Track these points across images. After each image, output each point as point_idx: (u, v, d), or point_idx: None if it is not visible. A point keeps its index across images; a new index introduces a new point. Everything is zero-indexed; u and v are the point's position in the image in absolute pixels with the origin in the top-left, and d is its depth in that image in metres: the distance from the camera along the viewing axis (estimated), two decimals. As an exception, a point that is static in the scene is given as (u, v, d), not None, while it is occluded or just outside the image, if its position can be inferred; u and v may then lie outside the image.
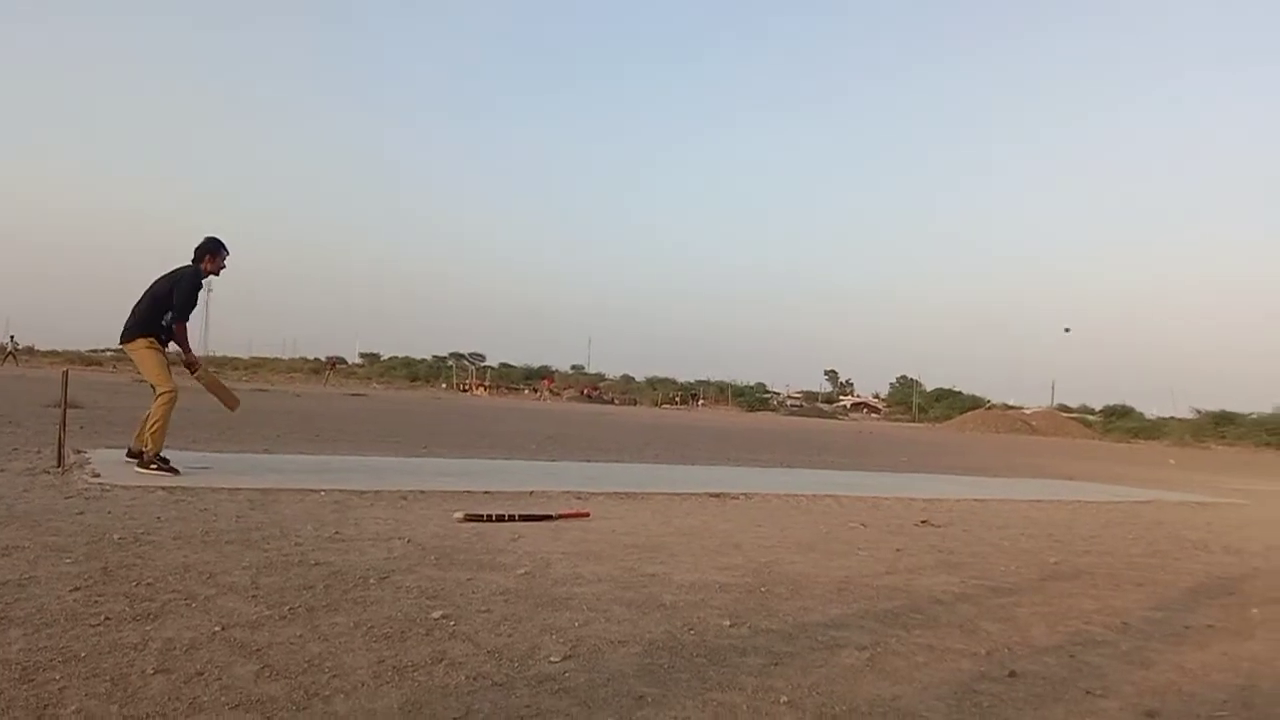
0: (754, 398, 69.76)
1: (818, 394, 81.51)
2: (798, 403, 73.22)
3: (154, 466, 6.58)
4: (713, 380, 72.41)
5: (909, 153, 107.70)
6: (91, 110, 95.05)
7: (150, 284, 7.08)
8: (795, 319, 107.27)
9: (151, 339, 6.95)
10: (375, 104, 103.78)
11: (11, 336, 50.10)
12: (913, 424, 60.01)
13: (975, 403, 66.00)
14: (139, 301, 7.03)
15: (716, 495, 7.77)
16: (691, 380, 72.81)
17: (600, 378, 73.43)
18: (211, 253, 7.19)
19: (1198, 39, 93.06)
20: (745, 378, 74.57)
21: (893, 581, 4.63)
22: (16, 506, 4.99)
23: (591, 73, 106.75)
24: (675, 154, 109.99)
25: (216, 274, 7.27)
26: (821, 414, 63.17)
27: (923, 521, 7.05)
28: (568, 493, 7.20)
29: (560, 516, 5.92)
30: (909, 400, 73.28)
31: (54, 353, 57.39)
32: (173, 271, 7.11)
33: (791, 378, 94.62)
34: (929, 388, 74.24)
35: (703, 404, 65.57)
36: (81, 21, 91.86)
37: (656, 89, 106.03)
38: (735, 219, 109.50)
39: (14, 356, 46.99)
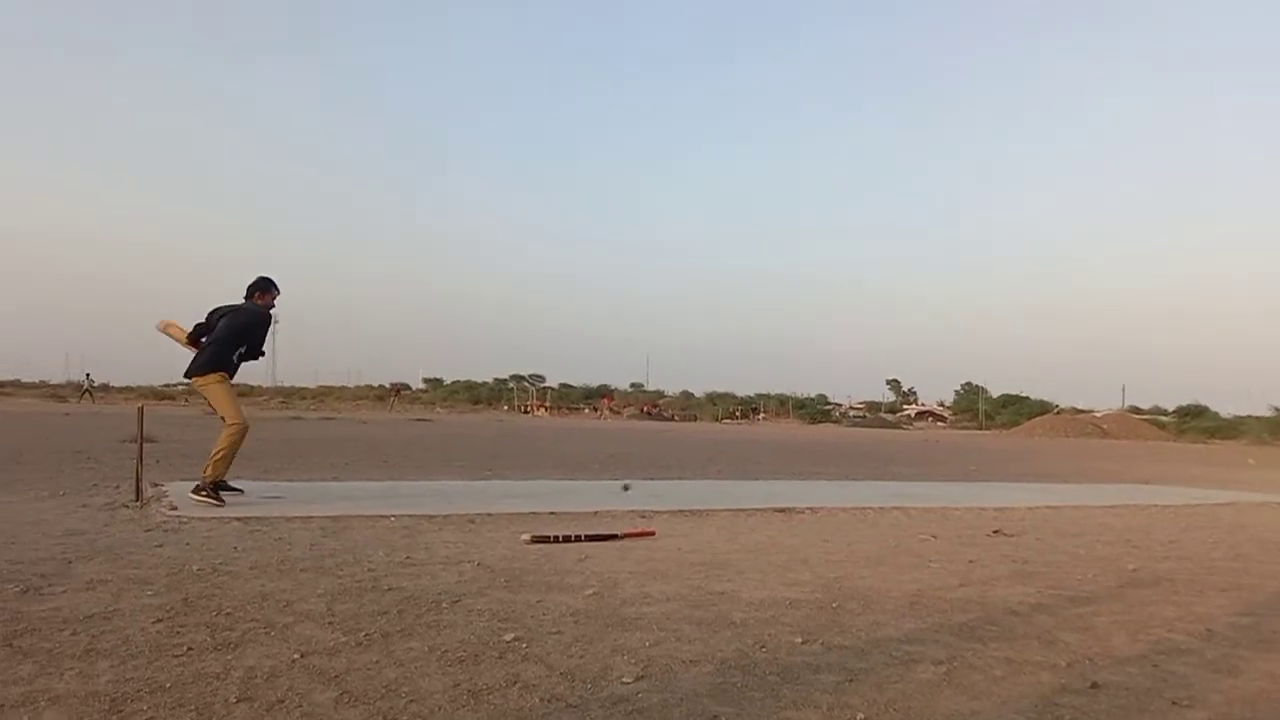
0: (815, 410, 69.19)
1: (881, 404, 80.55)
2: (860, 414, 72.49)
3: (204, 494, 6.74)
4: (773, 393, 72.03)
5: (963, 149, 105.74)
6: (158, 151, 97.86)
7: (206, 319, 7.28)
8: (855, 328, 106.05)
9: (222, 373, 7.15)
10: (425, 134, 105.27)
11: (88, 375, 51.82)
12: (980, 431, 59.03)
13: (1043, 407, 64.67)
14: (204, 336, 7.23)
15: (782, 510, 7.72)
16: (751, 394, 72.50)
17: (660, 394, 73.52)
18: (262, 290, 7.42)
19: None
20: (806, 390, 74.11)
21: (967, 594, 4.55)
22: (99, 541, 5.15)
23: (636, 89, 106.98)
24: (722, 163, 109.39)
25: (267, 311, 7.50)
26: (885, 424, 62.32)
27: (995, 531, 6.92)
28: (633, 512, 7.21)
29: (626, 536, 5.93)
30: (975, 407, 72.00)
31: (128, 389, 59.09)
32: (233, 309, 7.30)
33: (853, 388, 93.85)
34: (995, 393, 72.90)
35: (763, 418, 65.21)
36: (181, 65, 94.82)
37: (699, 103, 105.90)
38: (788, 229, 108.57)
39: (90, 394, 48.47)
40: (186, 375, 7.31)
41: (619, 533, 5.98)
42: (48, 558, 4.60)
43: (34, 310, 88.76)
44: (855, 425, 60.83)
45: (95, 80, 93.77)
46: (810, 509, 7.91)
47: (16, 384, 60.53)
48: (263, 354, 7.51)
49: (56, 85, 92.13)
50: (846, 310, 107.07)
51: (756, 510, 7.66)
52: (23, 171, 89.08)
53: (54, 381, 60.44)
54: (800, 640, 3.48)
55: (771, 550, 5.67)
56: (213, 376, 7.13)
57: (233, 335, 7.19)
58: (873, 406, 78.05)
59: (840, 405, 74.89)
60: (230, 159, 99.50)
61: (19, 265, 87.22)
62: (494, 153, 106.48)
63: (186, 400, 48.48)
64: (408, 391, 71.30)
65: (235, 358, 7.23)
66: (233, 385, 7.30)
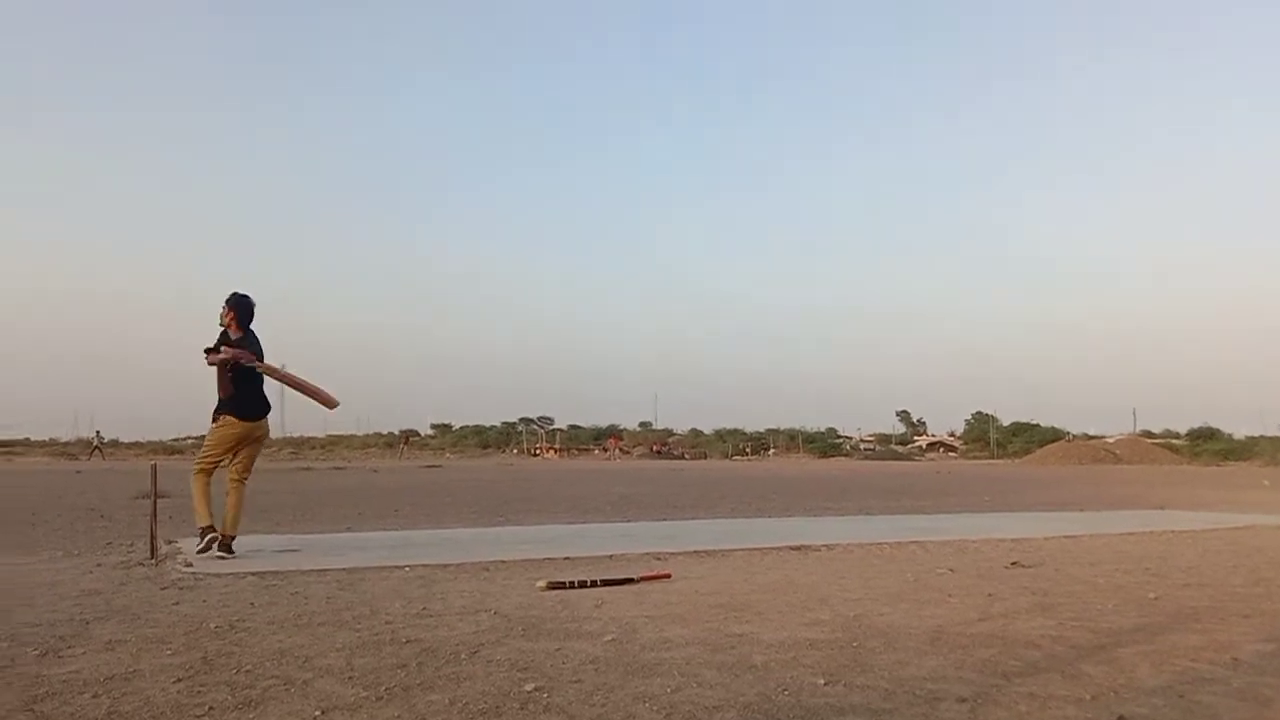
0: (825, 444, 69.03)
1: (891, 436, 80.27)
2: (871, 446, 72.24)
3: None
4: (782, 428, 71.88)
5: (972, 172, 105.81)
6: (160, 206, 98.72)
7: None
8: (862, 360, 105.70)
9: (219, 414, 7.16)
10: (427, 172, 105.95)
11: (97, 432, 51.95)
12: (991, 460, 58.79)
13: (1055, 435, 64.40)
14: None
15: (797, 548, 7.69)
16: (760, 429, 72.35)
17: (669, 433, 73.34)
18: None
19: None
20: (815, 424, 73.90)
21: (987, 628, 4.52)
22: (115, 600, 5.14)
23: (636, 127, 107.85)
24: (723, 201, 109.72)
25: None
26: (896, 456, 62.15)
27: (1013, 563, 6.88)
28: (647, 554, 7.19)
29: (642, 579, 5.90)
30: (986, 436, 71.74)
31: (137, 444, 59.21)
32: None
33: (863, 420, 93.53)
34: (1005, 422, 72.61)
35: (774, 453, 65.03)
36: (200, 116, 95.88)
37: (696, 144, 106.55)
38: (789, 261, 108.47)
39: (101, 451, 48.62)
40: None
41: (635, 576, 5.96)
42: (65, 619, 4.60)
43: (41, 367, 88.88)
44: (866, 458, 60.64)
45: (95, 131, 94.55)
46: (826, 546, 7.88)
47: (26, 442, 60.68)
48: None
49: (61, 138, 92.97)
50: (853, 342, 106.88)
51: (772, 549, 7.63)
52: (20, 225, 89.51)
53: (64, 439, 60.55)
54: (823, 682, 3.45)
55: (789, 589, 5.65)
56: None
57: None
58: (883, 439, 77.79)
59: (850, 438, 74.65)
60: (229, 205, 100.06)
61: (24, 321, 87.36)
62: (494, 193, 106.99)
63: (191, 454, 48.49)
64: (416, 438, 71.38)
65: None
66: (219, 429, 7.19)
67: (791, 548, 7.71)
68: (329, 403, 7.62)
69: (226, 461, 7.21)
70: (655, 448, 63.13)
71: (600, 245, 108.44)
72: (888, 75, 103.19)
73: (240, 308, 7.18)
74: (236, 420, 7.10)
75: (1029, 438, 65.55)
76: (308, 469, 30.53)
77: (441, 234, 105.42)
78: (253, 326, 7.26)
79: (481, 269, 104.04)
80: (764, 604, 5.12)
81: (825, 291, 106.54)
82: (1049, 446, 58.13)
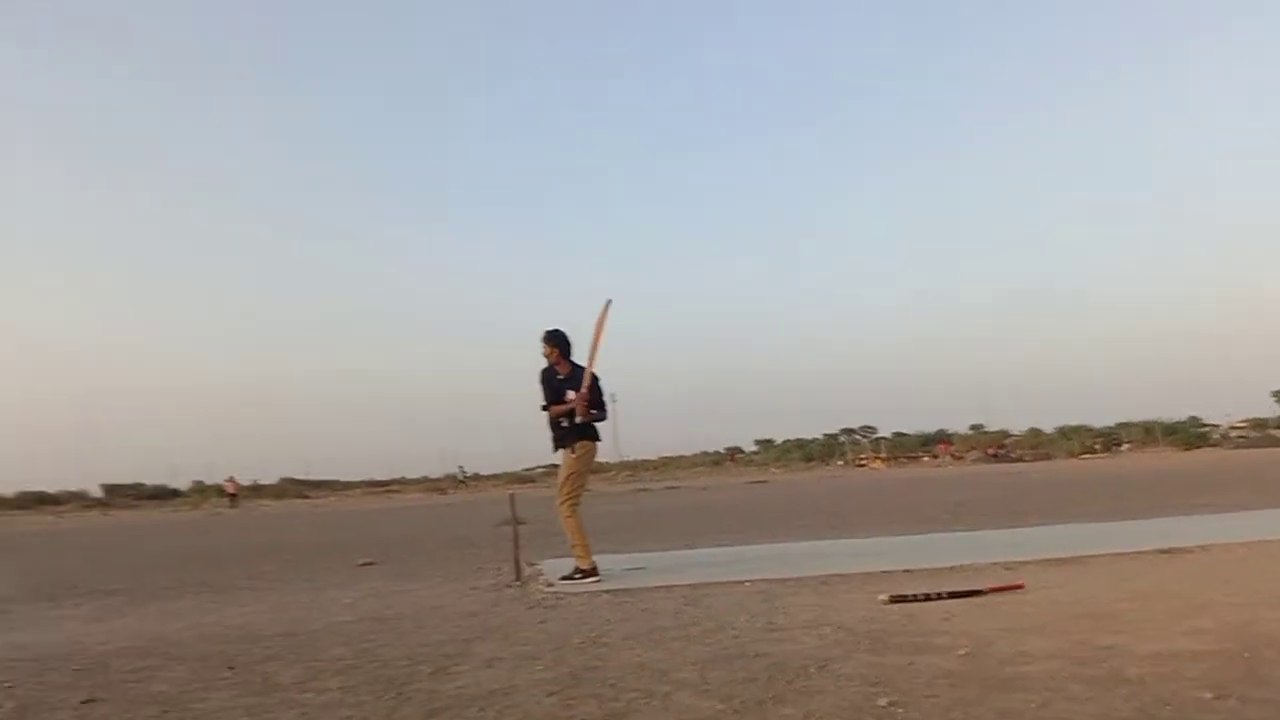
0: (1189, 434, 61.97)
1: (1268, 420, 70.77)
2: (1243, 433, 64.12)
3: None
4: (1135, 420, 65.54)
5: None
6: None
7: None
8: (1223, 337, 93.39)
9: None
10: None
11: (460, 467, 57.48)
12: (1404, 441, 50.28)
13: None
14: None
15: (1166, 551, 6.99)
16: (1110, 424, 66.43)
17: (1004, 434, 69.11)
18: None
19: None
20: (1173, 413, 66.59)
21: None
22: (490, 621, 5.66)
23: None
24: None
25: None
26: (1276, 442, 54.75)
27: None
28: (994, 564, 6.84)
29: (991, 590, 5.62)
30: (1392, 413, 61.44)
31: (495, 475, 64.74)
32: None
33: (1230, 405, 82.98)
34: None
35: (1127, 448, 59.56)
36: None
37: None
38: (1137, 235, 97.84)
39: (466, 484, 53.72)
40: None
41: (983, 587, 5.69)
42: (449, 639, 5.12)
43: (409, 414, 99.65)
44: (1239, 447, 53.93)
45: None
46: (1200, 547, 7.10)
47: (402, 480, 68.28)
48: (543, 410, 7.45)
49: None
50: (1210, 318, 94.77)
51: (1137, 553, 6.99)
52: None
53: (433, 476, 67.52)
54: (1211, 696, 3.12)
55: (1161, 596, 5.15)
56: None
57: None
58: (1259, 424, 68.65)
59: (1218, 426, 66.63)
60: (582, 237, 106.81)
61: (397, 380, 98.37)
62: (802, 198, 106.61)
63: (545, 483, 52.37)
64: (741, 454, 72.58)
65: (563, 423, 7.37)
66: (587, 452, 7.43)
67: (1159, 551, 7.02)
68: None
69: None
70: (990, 451, 59.83)
71: (919, 237, 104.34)
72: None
73: (563, 344, 7.46)
74: (594, 445, 7.46)
75: None
76: (644, 490, 31.94)
77: (750, 251, 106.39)
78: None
79: (794, 279, 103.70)
80: (1133, 613, 4.71)
81: (1175, 263, 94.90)
82: None
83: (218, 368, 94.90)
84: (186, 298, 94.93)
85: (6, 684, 4.56)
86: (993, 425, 71.64)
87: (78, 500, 57.18)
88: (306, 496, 56.77)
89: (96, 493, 59.87)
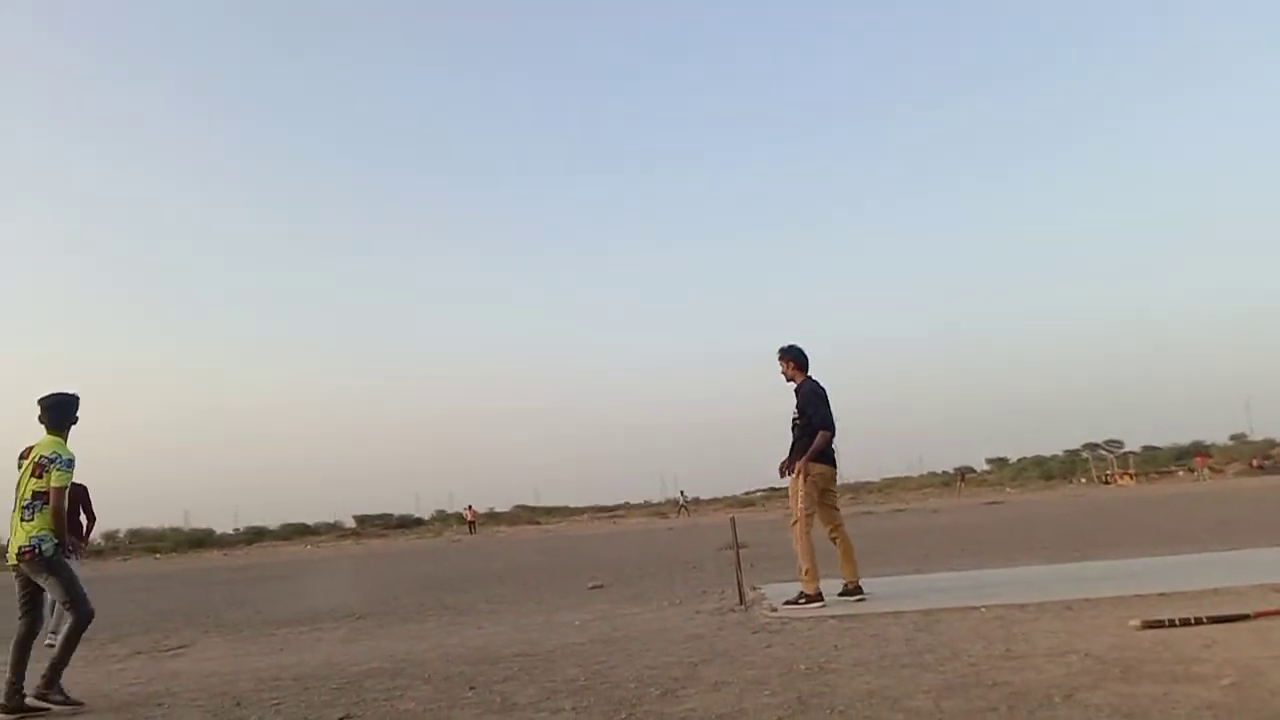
0: None
1: None
2: None
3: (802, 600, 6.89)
4: None
5: None
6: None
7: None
8: None
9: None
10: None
11: (682, 492, 58.05)
12: None
13: None
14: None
15: None
16: (1402, 430, 58.85)
17: (1271, 444, 62.48)
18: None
19: None
20: None
21: None
22: (716, 644, 5.67)
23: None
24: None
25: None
26: None
27: None
28: (1261, 585, 6.20)
29: (1259, 615, 5.09)
30: None
31: (715, 500, 64.97)
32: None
33: None
34: None
35: None
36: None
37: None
38: None
39: (687, 509, 54.21)
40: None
41: (1250, 611, 5.16)
42: (676, 661, 5.16)
43: (635, 442, 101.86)
44: None
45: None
46: None
47: (627, 505, 69.76)
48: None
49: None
50: None
51: None
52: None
53: (655, 501, 68.60)
54: None
55: None
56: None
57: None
58: None
59: None
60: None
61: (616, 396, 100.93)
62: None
63: (765, 506, 52.12)
64: (973, 474, 69.41)
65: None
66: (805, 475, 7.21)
67: None
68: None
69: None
70: (1255, 463, 54.32)
71: (1150, 228, 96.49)
72: None
73: (800, 358, 7.47)
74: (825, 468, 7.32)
75: None
76: (869, 513, 31.12)
77: (979, 266, 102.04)
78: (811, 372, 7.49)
79: (1017, 288, 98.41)
80: None
81: None
82: None
83: (454, 402, 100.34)
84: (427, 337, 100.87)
85: (273, 701, 4.99)
86: (1257, 434, 64.97)
87: (333, 531, 61.84)
88: (537, 522, 59.01)
89: (349, 523, 64.55)
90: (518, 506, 69.16)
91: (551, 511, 67.81)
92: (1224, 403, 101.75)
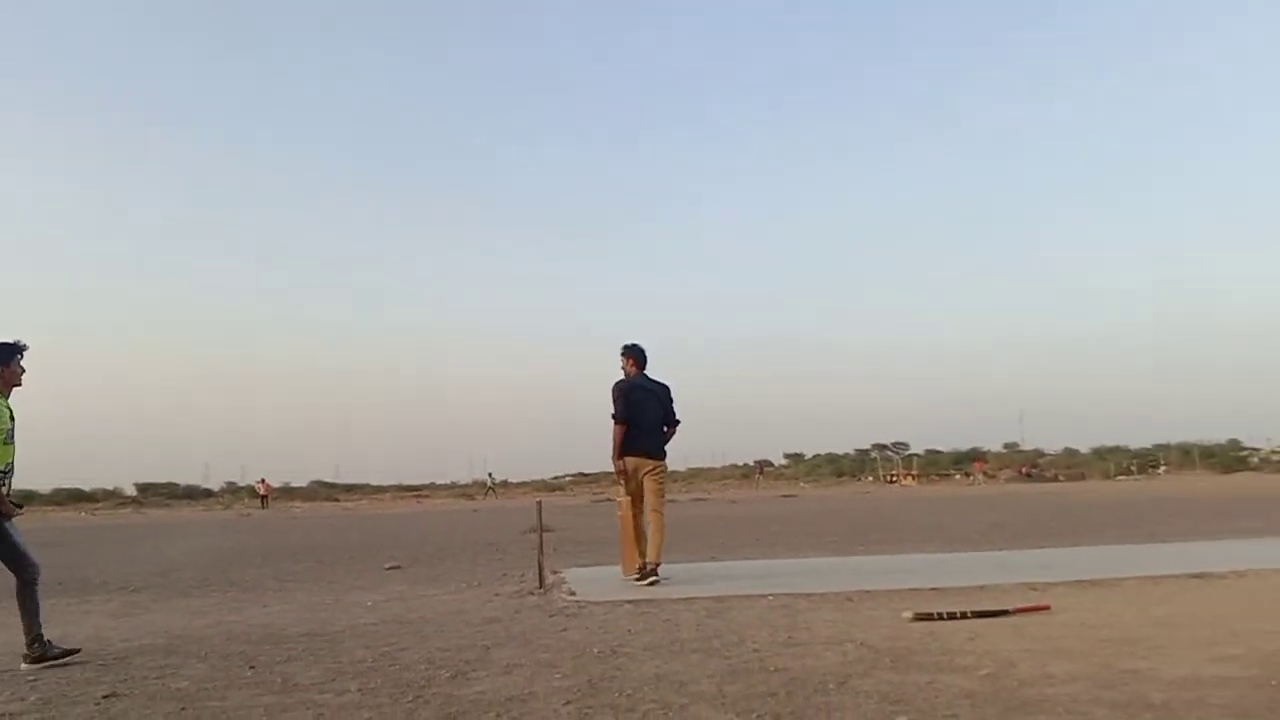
0: (1228, 458, 60.92)
1: (1312, 444, 69.21)
2: (1285, 457, 62.85)
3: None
4: (1173, 443, 64.47)
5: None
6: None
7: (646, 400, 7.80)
8: (1267, 360, 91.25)
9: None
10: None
11: (490, 474, 57.59)
12: None
13: None
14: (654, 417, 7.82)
15: (1199, 576, 6.88)
16: (1147, 445, 65.41)
17: (1038, 454, 68.19)
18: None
19: None
20: (1213, 435, 65.34)
21: None
22: (512, 628, 5.67)
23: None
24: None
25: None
26: (1321, 468, 53.65)
27: None
28: (1022, 584, 6.76)
29: (1018, 611, 5.55)
30: None
31: (524, 483, 64.83)
32: (657, 384, 7.92)
33: (1273, 429, 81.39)
34: None
35: (1164, 471, 58.62)
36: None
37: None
38: (1179, 251, 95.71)
39: (494, 491, 53.83)
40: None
41: (1010, 608, 5.62)
42: (469, 644, 5.13)
43: (441, 419, 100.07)
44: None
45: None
46: (1234, 573, 6.98)
47: (433, 485, 68.62)
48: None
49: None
50: (1256, 337, 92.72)
51: (1167, 577, 6.88)
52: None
53: (463, 482, 67.76)
54: (1238, 726, 3.07)
55: (1190, 622, 5.07)
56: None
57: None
58: (1302, 448, 67.32)
59: (1258, 450, 65.33)
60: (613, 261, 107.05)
61: (428, 376, 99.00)
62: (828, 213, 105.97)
63: (573, 491, 52.45)
64: (771, 468, 72.16)
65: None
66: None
67: (1191, 576, 6.91)
68: None
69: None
70: (1024, 470, 59.02)
71: (945, 255, 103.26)
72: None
73: (633, 354, 7.97)
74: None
75: None
76: (672, 501, 31.78)
77: (789, 265, 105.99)
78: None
79: (826, 292, 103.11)
80: (1160, 638, 4.63)
81: (1223, 281, 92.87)
82: None
83: (250, 364, 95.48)
84: (215, 287, 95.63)
85: (30, 678, 4.64)
86: (1027, 444, 70.85)
87: (112, 498, 57.95)
88: (337, 500, 57.20)
89: (130, 491, 60.65)
90: (315, 482, 66.79)
91: (352, 489, 65.88)
92: (1001, 414, 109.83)
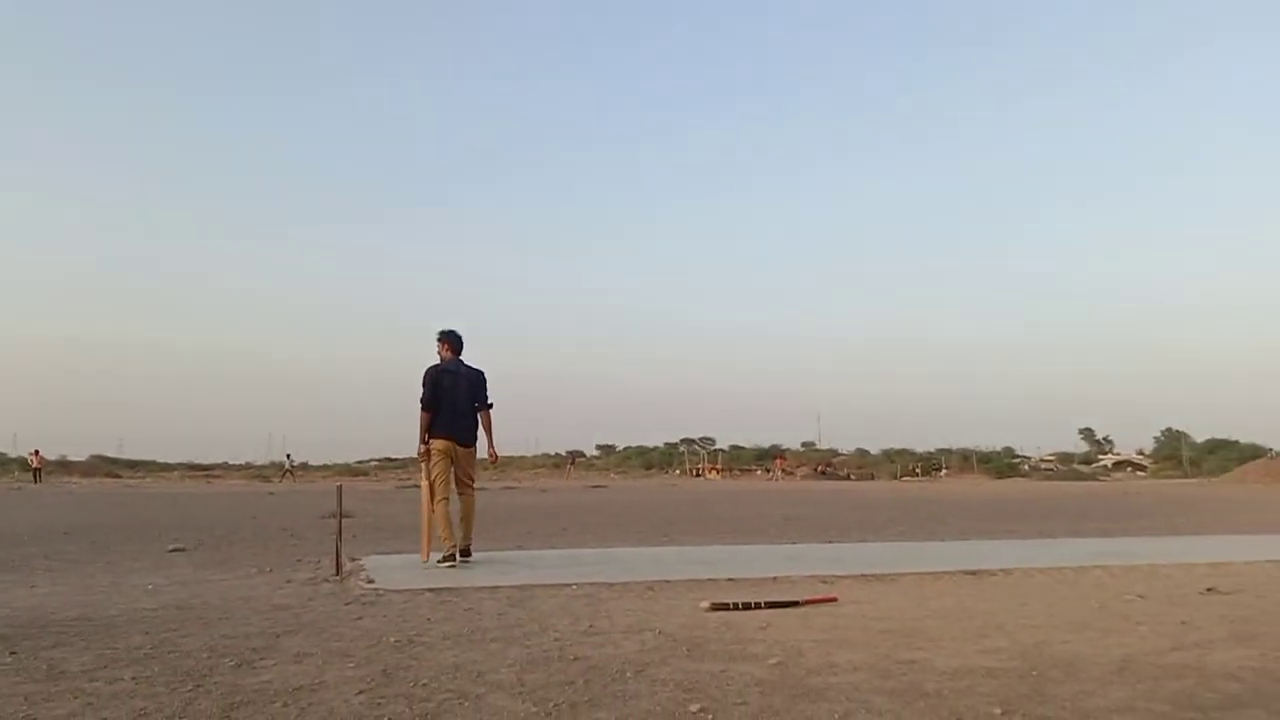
0: (1002, 464, 65.89)
1: (1074, 455, 75.85)
2: (1051, 466, 68.61)
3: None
4: (955, 448, 69.19)
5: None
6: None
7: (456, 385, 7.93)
8: (1041, 376, 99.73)
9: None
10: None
11: (288, 455, 55.19)
12: (1184, 480, 54.88)
13: (1256, 452, 59.25)
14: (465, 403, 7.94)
15: (972, 573, 7.40)
16: (931, 449, 69.94)
17: (833, 453, 71.69)
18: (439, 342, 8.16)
19: None
20: (990, 443, 70.61)
21: (1180, 658, 4.23)
22: (304, 615, 5.45)
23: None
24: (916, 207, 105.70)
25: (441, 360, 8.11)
26: (1080, 476, 58.73)
27: (1209, 589, 6.41)
28: (812, 577, 7.07)
29: (807, 602, 5.81)
30: (1178, 454, 66.86)
31: (325, 467, 62.55)
32: (471, 369, 8.08)
33: (1042, 439, 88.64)
34: (1199, 439, 67.45)
35: (946, 474, 62.76)
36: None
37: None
38: (969, 276, 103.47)
39: (292, 474, 51.65)
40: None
41: (800, 599, 5.87)
42: (258, 632, 4.90)
43: (238, 396, 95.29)
44: (1047, 478, 57.72)
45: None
46: (1003, 570, 7.55)
47: (225, 465, 65.17)
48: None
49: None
50: (1031, 355, 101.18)
51: (945, 573, 7.37)
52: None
53: (258, 463, 64.67)
54: (999, 711, 3.31)
55: (963, 616, 5.44)
56: None
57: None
58: (1065, 458, 73.57)
59: (1029, 458, 71.05)
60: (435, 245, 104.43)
61: (219, 352, 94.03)
62: (652, 216, 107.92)
63: (378, 476, 51.06)
64: (582, 459, 72.70)
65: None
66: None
67: (966, 572, 7.42)
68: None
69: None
70: (819, 468, 61.90)
71: (761, 261, 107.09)
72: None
73: (449, 340, 8.16)
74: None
75: (1226, 455, 60.57)
76: (482, 489, 31.50)
77: (605, 260, 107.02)
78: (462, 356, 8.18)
79: (643, 290, 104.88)
80: (936, 630, 4.95)
81: (1001, 304, 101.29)
82: (1249, 464, 53.59)
83: (26, 329, 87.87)
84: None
85: None
86: (824, 443, 74.44)
87: None
88: (118, 476, 53.49)
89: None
90: (96, 456, 62.24)
91: (136, 465, 61.78)
92: (801, 414, 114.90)
